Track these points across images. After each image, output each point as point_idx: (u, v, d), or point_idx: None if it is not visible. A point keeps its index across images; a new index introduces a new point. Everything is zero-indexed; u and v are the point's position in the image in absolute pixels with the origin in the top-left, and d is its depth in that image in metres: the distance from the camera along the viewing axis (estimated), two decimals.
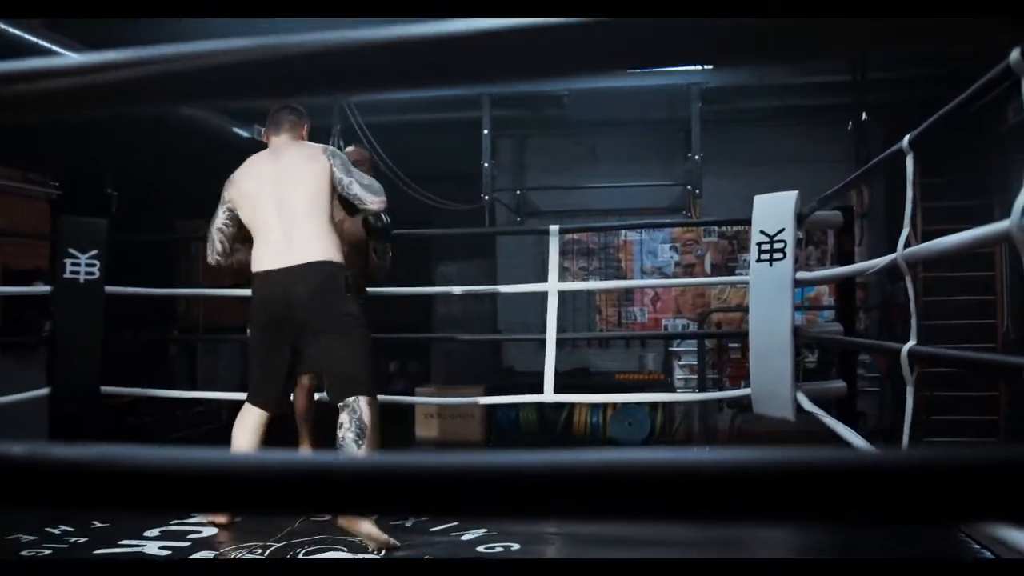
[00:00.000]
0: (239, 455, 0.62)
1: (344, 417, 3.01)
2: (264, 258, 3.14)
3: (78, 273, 4.41)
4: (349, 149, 3.71)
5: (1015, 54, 1.76)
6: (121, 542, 3.02)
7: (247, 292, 5.76)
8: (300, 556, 2.86)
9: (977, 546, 2.81)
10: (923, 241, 2.56)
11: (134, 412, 6.03)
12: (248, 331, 3.37)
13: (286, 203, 3.11)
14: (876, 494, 0.50)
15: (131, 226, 5.64)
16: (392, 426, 7.09)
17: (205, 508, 0.53)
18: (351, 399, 3.01)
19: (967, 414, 6.53)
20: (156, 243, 6.36)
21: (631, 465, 0.52)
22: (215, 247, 3.29)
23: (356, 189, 3.19)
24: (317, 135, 7.00)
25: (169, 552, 2.93)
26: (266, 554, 2.87)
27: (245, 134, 6.59)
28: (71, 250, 4.42)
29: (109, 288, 4.52)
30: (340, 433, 3.00)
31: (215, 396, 5.44)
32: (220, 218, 3.28)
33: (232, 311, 6.98)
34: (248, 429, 3.15)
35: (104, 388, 4.55)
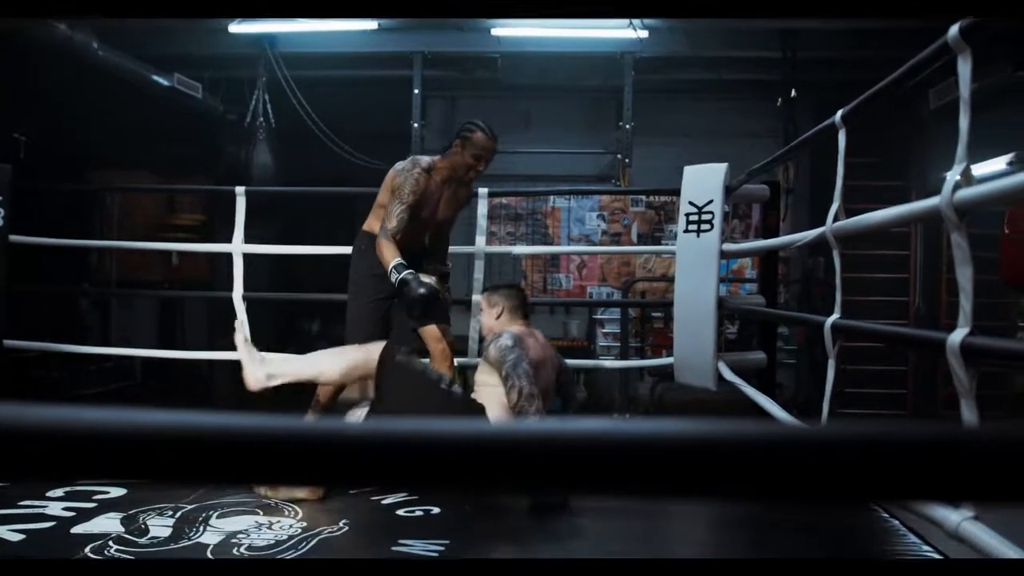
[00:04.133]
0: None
1: None
2: None
3: None
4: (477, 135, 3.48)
5: (953, 31, 1.76)
6: (22, 503, 2.89)
7: (164, 246, 5.61)
8: (214, 518, 2.78)
9: (886, 515, 2.89)
10: (846, 217, 2.58)
11: (43, 367, 5.79)
12: None
13: None
14: (795, 469, 0.49)
15: (42, 174, 5.37)
16: (314, 388, 6.98)
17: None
18: None
19: (876, 387, 6.76)
20: (68, 193, 6.08)
21: (550, 436, 0.49)
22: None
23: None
24: (240, 87, 6.82)
25: (73, 513, 2.82)
26: (177, 515, 2.78)
27: (165, 82, 6.33)
28: None
29: (13, 237, 4.30)
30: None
31: (125, 352, 5.24)
32: None
33: (148, 266, 6.75)
34: None
35: (7, 342, 4.34)
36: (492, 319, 3.45)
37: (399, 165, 3.46)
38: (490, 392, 3.09)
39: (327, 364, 3.14)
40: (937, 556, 2.44)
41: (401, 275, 3.28)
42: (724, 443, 0.49)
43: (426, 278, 3.31)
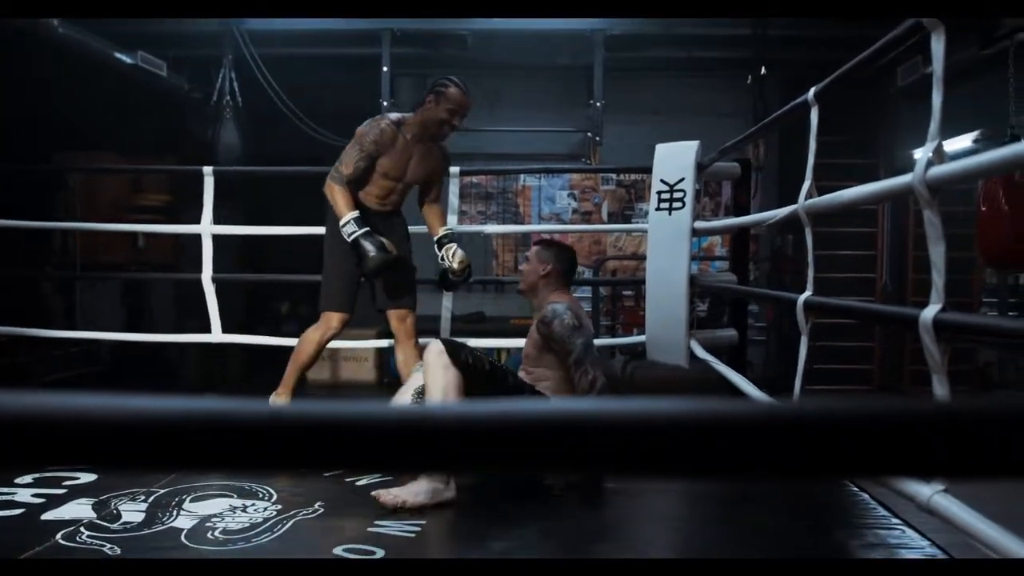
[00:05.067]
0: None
1: None
2: None
3: None
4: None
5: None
6: None
7: (129, 227, 5.52)
8: (187, 502, 2.75)
9: (855, 488, 2.93)
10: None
11: (5, 353, 5.69)
12: None
13: None
14: (770, 447, 0.48)
15: (2, 155, 5.26)
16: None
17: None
18: None
19: (843, 363, 6.84)
20: (29, 173, 5.96)
21: (526, 416, 0.49)
22: None
23: None
24: (206, 65, 6.71)
25: (43, 499, 2.78)
26: (150, 500, 2.75)
27: (128, 60, 6.20)
28: None
29: None
30: None
31: (91, 336, 5.16)
32: None
33: (113, 248, 6.64)
34: None
35: None
36: (536, 276, 3.18)
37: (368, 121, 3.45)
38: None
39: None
40: (907, 529, 2.48)
41: (355, 234, 3.27)
42: (695, 421, 0.49)
43: (383, 240, 3.31)
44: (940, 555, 2.26)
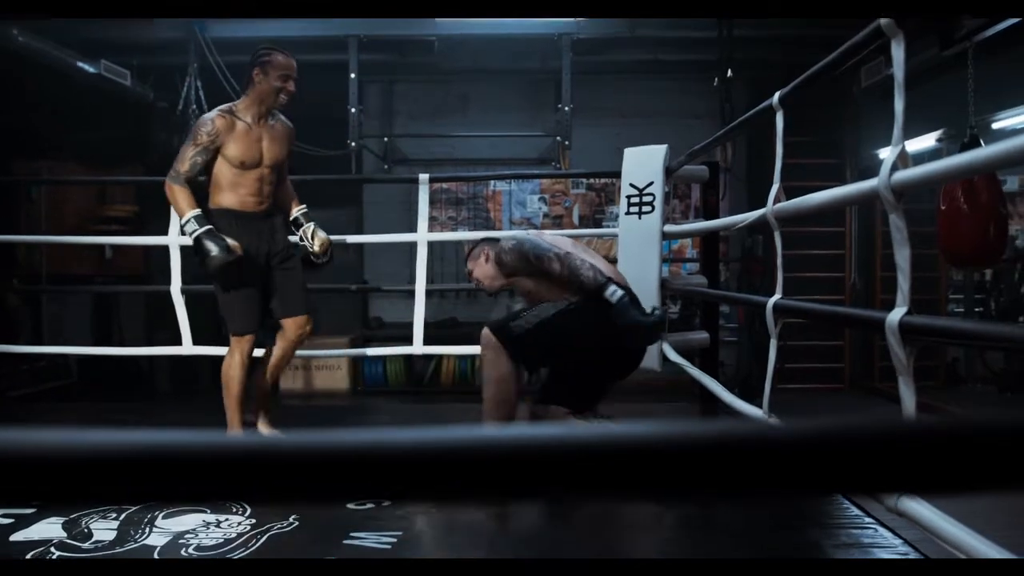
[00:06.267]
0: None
1: None
2: None
3: None
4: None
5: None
6: None
7: (97, 239, 5.44)
8: (159, 519, 2.72)
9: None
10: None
11: None
12: None
13: None
14: (768, 466, 0.49)
15: None
16: (255, 378, 6.88)
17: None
18: None
19: (815, 362, 6.91)
20: None
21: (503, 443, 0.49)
22: None
23: None
24: (171, 73, 6.64)
25: (12, 520, 2.73)
26: (121, 517, 2.72)
27: (91, 69, 6.13)
28: None
29: None
30: None
31: (58, 350, 5.09)
32: None
33: (80, 259, 6.56)
34: None
35: None
36: (497, 279, 3.17)
37: None
38: None
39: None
40: (880, 528, 2.50)
41: (196, 233, 3.14)
42: (674, 443, 0.49)
43: (227, 240, 3.17)
44: (913, 554, 2.29)
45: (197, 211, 3.19)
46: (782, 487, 0.52)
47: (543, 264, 2.89)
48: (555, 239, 3.07)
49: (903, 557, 2.29)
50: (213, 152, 3.26)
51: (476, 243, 3.29)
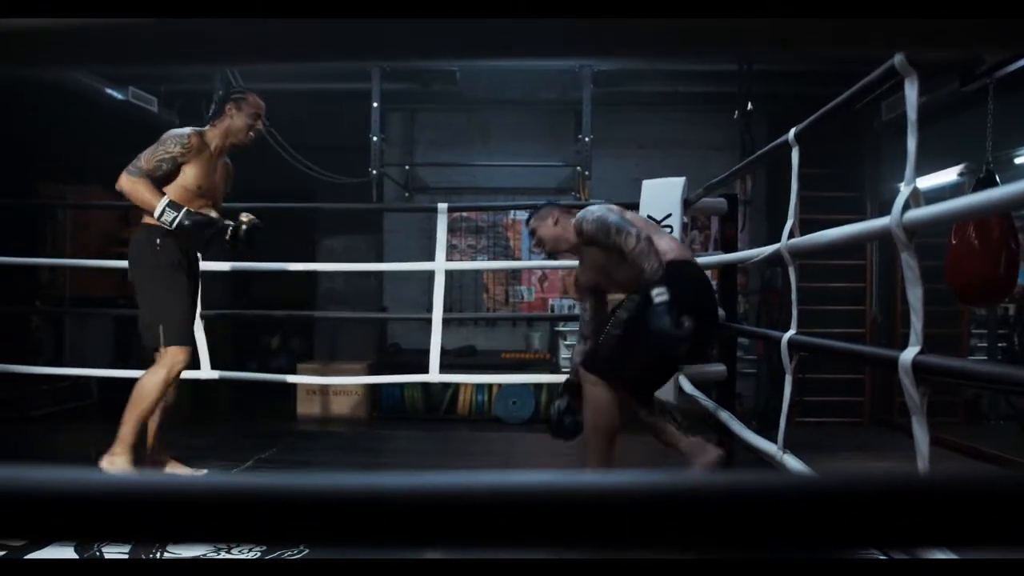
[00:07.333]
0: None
1: None
2: None
3: None
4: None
5: (899, 56, 1.79)
6: None
7: (114, 263, 5.50)
8: (170, 545, 2.72)
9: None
10: (801, 228, 2.62)
11: None
12: None
13: None
14: (804, 517, 0.54)
15: None
16: (274, 403, 6.93)
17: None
18: None
19: (835, 395, 6.84)
20: (19, 207, 5.96)
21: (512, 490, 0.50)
22: None
23: None
24: (197, 100, 6.74)
25: (24, 541, 2.75)
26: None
27: (119, 96, 6.23)
28: None
29: None
30: None
31: (78, 372, 5.13)
32: None
33: (102, 282, 6.63)
34: None
35: None
36: (567, 239, 3.26)
37: None
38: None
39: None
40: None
41: (177, 218, 3.15)
42: (684, 494, 0.50)
43: (208, 212, 3.26)
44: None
45: (167, 197, 3.18)
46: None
47: (621, 238, 2.92)
48: (634, 217, 3.15)
49: (902, 557, 2.25)
50: (176, 167, 3.25)
51: (543, 204, 3.38)
